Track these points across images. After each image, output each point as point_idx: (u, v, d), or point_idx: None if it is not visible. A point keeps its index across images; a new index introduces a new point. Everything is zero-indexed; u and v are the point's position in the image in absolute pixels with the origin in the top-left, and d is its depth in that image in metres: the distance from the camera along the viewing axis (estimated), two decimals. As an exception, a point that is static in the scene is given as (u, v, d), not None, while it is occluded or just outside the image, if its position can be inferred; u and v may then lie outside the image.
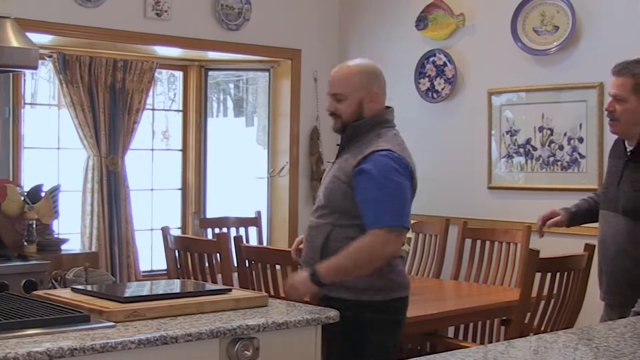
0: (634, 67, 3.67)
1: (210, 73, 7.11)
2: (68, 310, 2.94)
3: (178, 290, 3.58)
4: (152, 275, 6.47)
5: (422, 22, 6.61)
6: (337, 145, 3.86)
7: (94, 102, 6.11)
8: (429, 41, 6.66)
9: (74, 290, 3.36)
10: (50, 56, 6.02)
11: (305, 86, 7.11)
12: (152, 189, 6.80)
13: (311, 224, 3.77)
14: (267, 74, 7.25)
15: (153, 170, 6.83)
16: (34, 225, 5.32)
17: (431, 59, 6.65)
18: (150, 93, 6.53)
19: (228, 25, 6.58)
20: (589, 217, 4.08)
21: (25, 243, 5.26)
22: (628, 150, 3.72)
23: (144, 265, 6.53)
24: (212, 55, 6.86)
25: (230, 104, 7.66)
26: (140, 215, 6.53)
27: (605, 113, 3.79)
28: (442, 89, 6.59)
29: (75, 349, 2.59)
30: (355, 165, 3.60)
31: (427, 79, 6.69)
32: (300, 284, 3.61)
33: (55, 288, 4.51)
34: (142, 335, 2.76)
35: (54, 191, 5.70)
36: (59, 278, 4.76)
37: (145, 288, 3.60)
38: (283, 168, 7.11)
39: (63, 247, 5.59)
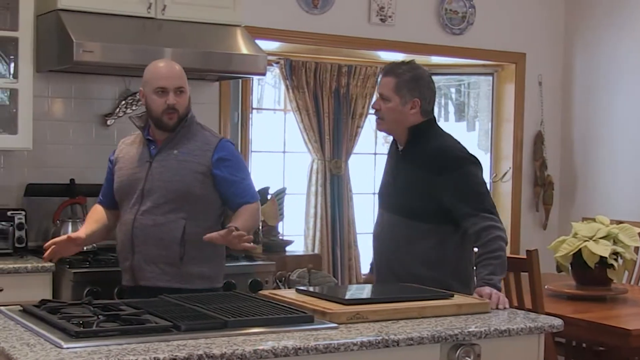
0: (398, 68, 3.82)
1: (433, 78, 7.08)
2: (293, 311, 3.00)
3: (398, 294, 3.59)
4: (373, 279, 6.51)
5: (653, 23, 6.38)
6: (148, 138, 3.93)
7: (319, 107, 6.23)
8: (661, 42, 6.42)
9: (298, 291, 3.42)
10: (277, 62, 6.18)
11: (530, 90, 6.98)
12: (374, 193, 6.84)
13: (153, 222, 3.82)
14: (490, 78, 7.16)
15: (375, 174, 6.88)
16: (261, 227, 5.47)
17: (663, 61, 6.40)
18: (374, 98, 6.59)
19: (452, 29, 6.55)
20: None
21: (252, 244, 5.40)
22: (400, 150, 3.85)
23: (366, 268, 6.59)
24: (436, 59, 6.85)
25: (451, 108, 7.63)
26: (363, 219, 6.60)
27: (373, 112, 3.93)
28: (675, 92, 6.33)
29: (299, 349, 2.65)
30: (212, 156, 3.86)
31: (659, 81, 6.44)
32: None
33: (279, 288, 4.63)
34: (364, 337, 2.79)
35: (280, 194, 5.84)
36: (283, 279, 4.89)
37: (365, 291, 3.63)
38: (506, 173, 7.01)
39: (287, 248, 5.71)
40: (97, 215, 4.10)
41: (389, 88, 3.78)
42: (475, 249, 3.74)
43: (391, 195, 3.85)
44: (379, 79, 3.93)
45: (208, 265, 3.90)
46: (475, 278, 3.66)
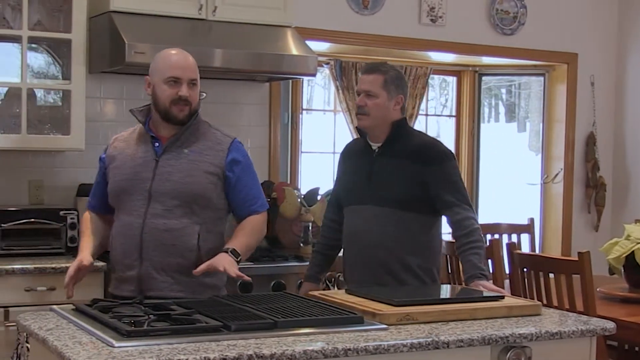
0: (381, 66, 3.97)
1: (483, 78, 7.07)
2: (342, 311, 3.00)
3: (448, 296, 3.58)
4: (422, 280, 6.49)
5: None
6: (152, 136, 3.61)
7: (368, 108, 6.22)
8: None
9: (348, 291, 3.42)
10: (327, 63, 6.19)
11: (582, 91, 6.92)
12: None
13: (166, 227, 3.49)
14: (541, 78, 7.11)
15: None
16: (310, 227, 5.47)
17: None
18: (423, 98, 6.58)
19: (503, 29, 6.51)
20: (329, 259, 4.25)
21: (301, 244, 5.41)
22: (374, 147, 3.98)
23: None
24: (486, 60, 6.81)
25: (501, 109, 7.59)
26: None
27: (356, 108, 3.99)
28: None
29: (349, 350, 2.65)
30: (225, 156, 3.60)
31: None
32: (228, 261, 3.44)
33: (329, 289, 4.63)
34: (414, 339, 2.78)
35: (330, 195, 5.83)
36: (333, 279, 4.88)
37: (416, 292, 3.62)
38: (557, 174, 6.95)
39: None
40: (91, 226, 3.74)
41: (376, 84, 3.91)
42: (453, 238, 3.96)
43: (370, 190, 3.93)
44: (361, 78, 4.02)
45: (215, 274, 3.55)
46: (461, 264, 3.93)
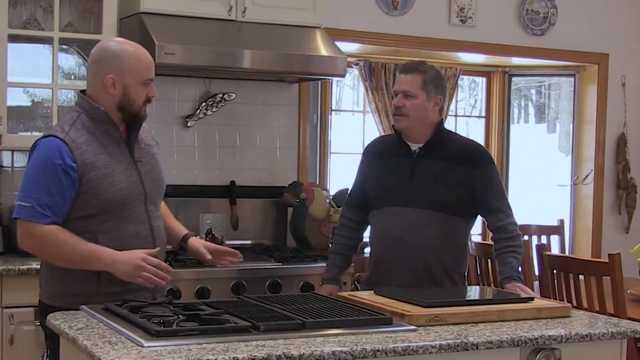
0: (420, 66, 3.86)
1: (513, 79, 7.04)
2: (371, 312, 3.00)
3: (477, 297, 3.57)
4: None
5: None
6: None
7: (398, 109, 6.21)
8: None
9: (377, 292, 3.42)
10: (357, 64, 6.19)
11: (613, 91, 6.87)
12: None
13: (160, 226, 3.42)
14: (571, 79, 7.07)
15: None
16: (339, 228, 5.47)
17: None
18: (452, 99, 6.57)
19: (533, 30, 6.49)
20: (348, 261, 4.22)
21: (330, 245, 5.42)
22: (414, 149, 3.87)
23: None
24: (516, 60, 6.79)
25: (531, 110, 7.56)
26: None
27: (393, 109, 3.90)
28: None
29: (378, 351, 2.64)
30: (157, 143, 3.57)
31: None
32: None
33: (357, 290, 4.62)
34: (443, 340, 2.78)
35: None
36: (362, 280, 4.87)
37: (444, 293, 3.61)
38: (587, 176, 6.91)
39: (366, 250, 5.70)
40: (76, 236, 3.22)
41: (415, 85, 3.82)
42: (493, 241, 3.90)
43: (411, 192, 3.83)
44: (398, 78, 3.90)
45: None
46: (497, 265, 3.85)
